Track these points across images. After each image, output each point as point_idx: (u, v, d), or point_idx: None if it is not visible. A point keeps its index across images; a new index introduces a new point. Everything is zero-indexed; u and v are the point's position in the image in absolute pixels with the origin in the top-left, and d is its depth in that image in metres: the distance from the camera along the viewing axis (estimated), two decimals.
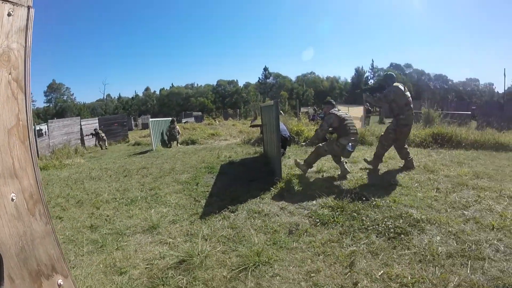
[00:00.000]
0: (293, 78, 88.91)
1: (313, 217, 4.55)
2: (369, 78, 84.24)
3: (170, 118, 16.67)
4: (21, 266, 1.03)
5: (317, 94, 78.76)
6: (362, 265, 3.36)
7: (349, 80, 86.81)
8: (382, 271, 3.23)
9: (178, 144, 15.62)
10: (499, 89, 77.19)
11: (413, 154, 8.41)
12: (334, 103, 7.18)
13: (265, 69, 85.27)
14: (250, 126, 12.43)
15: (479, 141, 10.05)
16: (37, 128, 16.73)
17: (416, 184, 5.72)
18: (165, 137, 16.18)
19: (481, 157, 8.39)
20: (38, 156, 14.25)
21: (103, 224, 5.14)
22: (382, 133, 7.26)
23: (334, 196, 5.25)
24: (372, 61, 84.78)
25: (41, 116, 64.52)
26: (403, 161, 7.06)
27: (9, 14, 1.03)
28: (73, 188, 7.82)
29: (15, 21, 1.06)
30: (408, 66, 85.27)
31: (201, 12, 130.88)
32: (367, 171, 6.89)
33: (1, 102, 0.99)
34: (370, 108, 22.78)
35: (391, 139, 6.88)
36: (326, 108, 7.12)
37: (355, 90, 76.50)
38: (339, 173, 6.57)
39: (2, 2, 1.01)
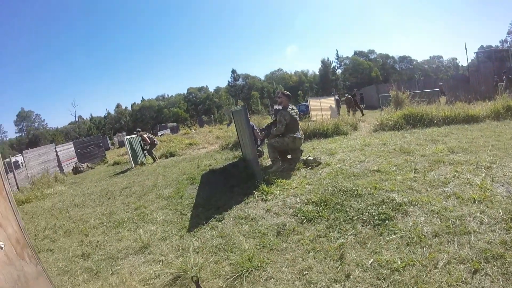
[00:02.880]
0: (262, 77, 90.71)
1: (298, 215, 4.63)
2: (336, 68, 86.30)
3: (136, 130, 16.15)
4: None
5: (288, 89, 78.87)
6: (352, 256, 3.46)
7: (317, 72, 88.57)
8: (372, 260, 3.34)
9: (153, 153, 15.07)
10: (463, 62, 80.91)
11: (388, 137, 8.73)
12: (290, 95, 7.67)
13: (233, 71, 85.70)
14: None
15: (450, 116, 10.35)
16: (13, 160, 16.44)
17: (394, 168, 5.84)
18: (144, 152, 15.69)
19: (454, 132, 8.66)
20: (18, 189, 13.96)
21: (94, 250, 5.13)
22: None
23: (315, 190, 5.36)
24: (337, 51, 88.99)
25: (15, 146, 63.68)
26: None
27: None
28: (58, 218, 7.73)
29: None
30: (372, 52, 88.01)
31: (163, 22, 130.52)
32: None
33: None
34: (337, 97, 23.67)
35: None
36: (284, 100, 7.47)
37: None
38: (314, 164, 6.89)
39: None
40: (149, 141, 15.20)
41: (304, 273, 3.33)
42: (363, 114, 20.66)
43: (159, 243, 4.78)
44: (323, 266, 3.40)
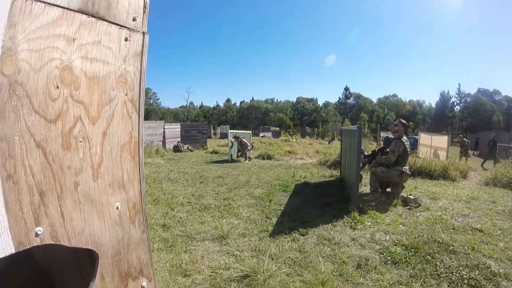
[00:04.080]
0: (374, 100, 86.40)
1: (384, 254, 4.33)
2: (455, 104, 78.22)
3: (234, 135, 16.23)
4: (113, 267, 1.12)
5: (398, 118, 75.12)
6: None
7: (433, 105, 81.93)
8: None
9: (247, 159, 15.28)
10: None
11: (499, 195, 7.76)
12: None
13: (346, 89, 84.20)
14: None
15: None
16: None
17: (499, 232, 5.14)
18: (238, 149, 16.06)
19: None
20: None
21: (175, 225, 5.40)
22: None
23: (409, 233, 4.98)
24: (459, 85, 78.84)
25: None
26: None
27: (126, 39, 1.14)
28: (151, 186, 8.33)
29: (131, 46, 1.16)
30: (497, 92, 77.84)
31: (284, 29, 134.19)
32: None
33: (117, 120, 1.10)
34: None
35: None
36: (400, 129, 7.07)
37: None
38: (413, 205, 6.39)
39: (120, 28, 1.12)
40: (249, 144, 15.65)
41: None
42: (482, 167, 17.21)
43: (238, 238, 4.84)
44: None
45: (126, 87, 1.13)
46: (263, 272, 3.66)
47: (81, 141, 0.99)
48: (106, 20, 1.07)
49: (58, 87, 0.93)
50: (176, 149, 20.76)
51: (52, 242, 0.92)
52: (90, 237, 1.03)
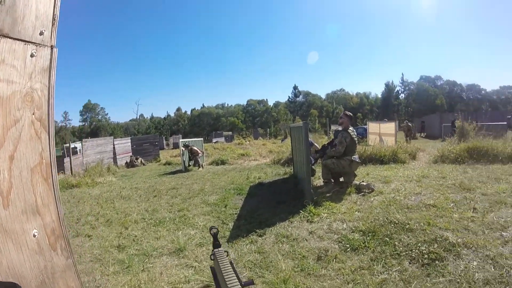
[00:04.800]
0: (323, 96, 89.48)
1: (343, 242, 4.39)
2: (399, 92, 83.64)
3: (184, 143, 16.25)
4: None
5: (347, 111, 78.21)
6: None
7: (379, 95, 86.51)
8: None
9: (201, 167, 15.25)
10: None
11: (448, 171, 8.22)
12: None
13: (295, 87, 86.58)
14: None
15: None
16: (72, 146, 17.69)
17: (452, 204, 5.41)
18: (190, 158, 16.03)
19: None
20: (71, 173, 14.83)
21: (130, 244, 5.19)
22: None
23: (365, 219, 5.09)
24: (402, 74, 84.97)
25: (76, 134, 68.74)
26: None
27: (32, 55, 1.07)
28: (103, 207, 8.00)
29: (38, 61, 1.09)
30: (438, 78, 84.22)
31: (227, 33, 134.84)
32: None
33: (24, 142, 1.02)
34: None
35: None
36: (345, 121, 7.31)
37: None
38: (366, 190, 6.64)
39: (25, 44, 1.04)
40: (199, 152, 15.61)
41: None
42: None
43: (195, 248, 4.74)
44: None
45: (33, 106, 1.06)
46: None
47: None
48: (10, 38, 0.99)
49: None
50: (130, 164, 20.21)
51: None
52: (9, 269, 0.95)
